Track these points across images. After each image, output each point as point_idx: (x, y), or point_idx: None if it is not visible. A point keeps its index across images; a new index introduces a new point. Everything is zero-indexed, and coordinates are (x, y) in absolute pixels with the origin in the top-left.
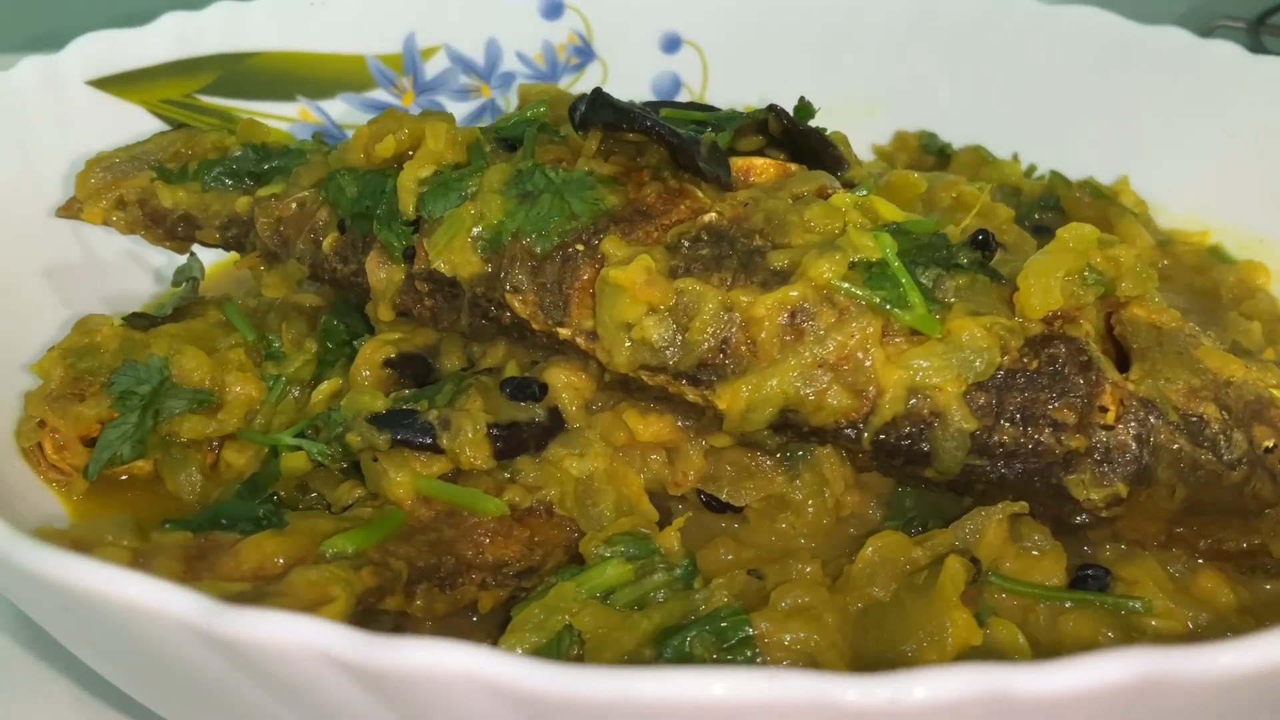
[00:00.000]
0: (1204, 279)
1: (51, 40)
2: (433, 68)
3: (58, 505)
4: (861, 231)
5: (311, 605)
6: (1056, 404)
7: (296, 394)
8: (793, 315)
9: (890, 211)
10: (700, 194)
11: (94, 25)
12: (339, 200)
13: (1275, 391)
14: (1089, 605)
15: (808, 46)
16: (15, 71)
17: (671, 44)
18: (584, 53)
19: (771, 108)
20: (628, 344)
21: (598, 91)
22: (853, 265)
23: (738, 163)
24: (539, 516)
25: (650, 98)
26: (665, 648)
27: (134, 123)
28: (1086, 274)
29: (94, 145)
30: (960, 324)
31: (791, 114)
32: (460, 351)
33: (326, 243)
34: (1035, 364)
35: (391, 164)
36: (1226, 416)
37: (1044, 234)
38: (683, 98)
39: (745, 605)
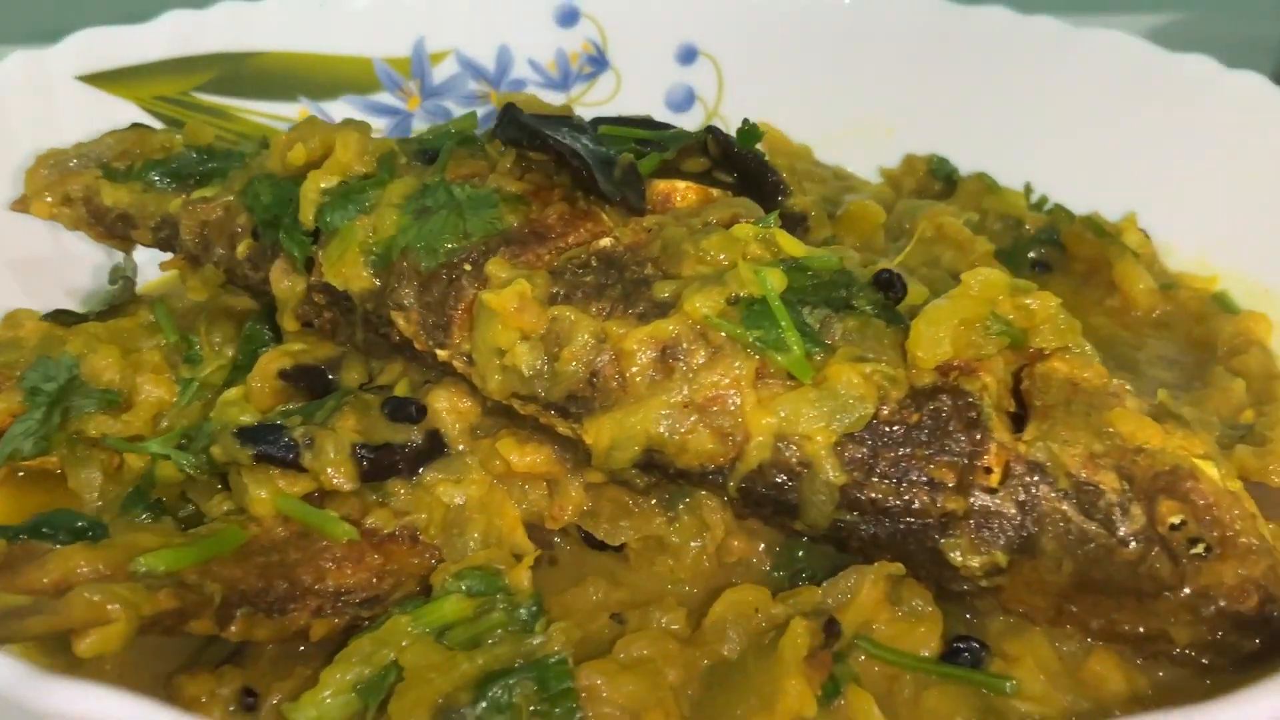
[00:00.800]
0: (1201, 329)
1: (56, 35)
2: (441, 72)
3: None
4: (750, 265)
5: (85, 625)
6: (935, 462)
7: (207, 399)
8: (664, 350)
9: (791, 245)
10: (605, 218)
11: (102, 21)
12: (255, 206)
13: (1199, 462)
14: (958, 680)
15: (826, 64)
16: (2, 64)
17: (688, 55)
18: (598, 62)
19: (709, 129)
20: (500, 371)
21: (508, 107)
22: (734, 301)
23: (660, 186)
24: (401, 543)
25: (663, 109)
26: (485, 692)
27: (125, 119)
28: (990, 323)
29: (79, 140)
30: (838, 370)
31: (734, 136)
32: (362, 366)
33: (240, 248)
34: (916, 417)
35: (304, 172)
36: (1126, 487)
37: (1043, 271)
38: (697, 111)
39: (587, 653)
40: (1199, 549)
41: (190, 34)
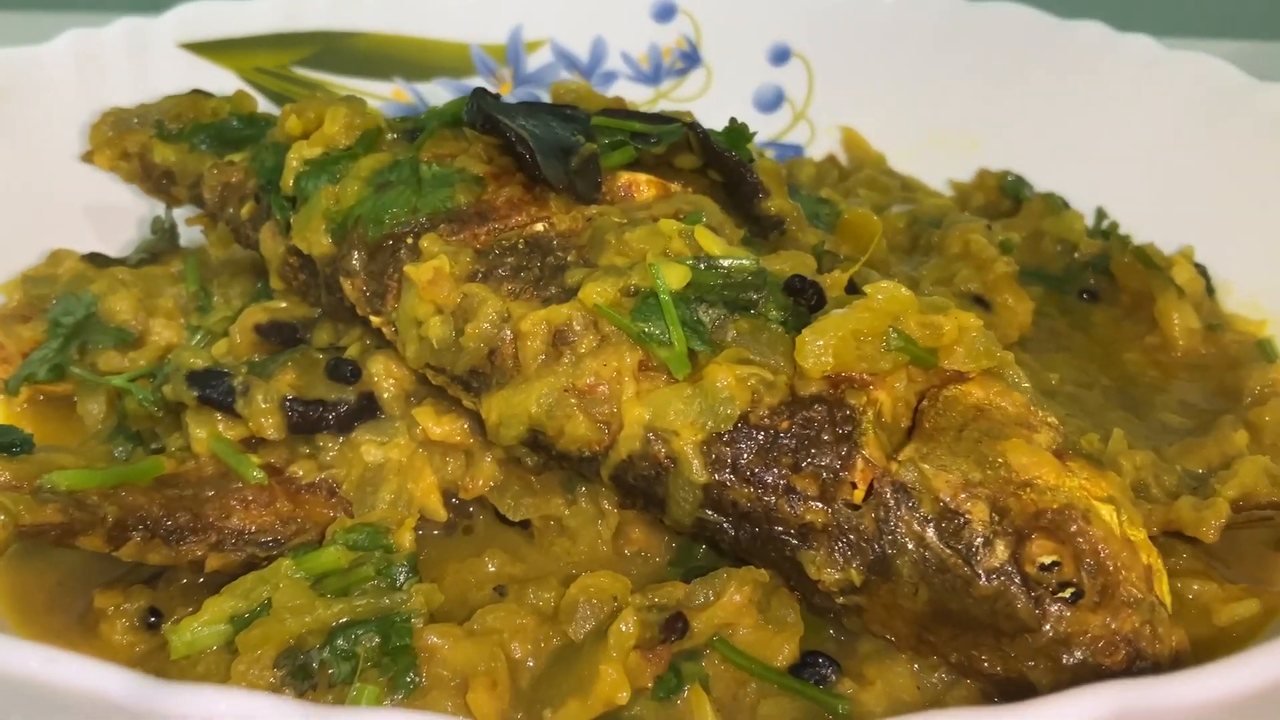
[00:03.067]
0: (1233, 376)
1: (165, 7)
2: (535, 61)
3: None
4: (657, 259)
5: None
6: (800, 471)
7: (207, 345)
8: (556, 334)
9: (710, 244)
10: (553, 204)
11: None
12: (260, 171)
13: (1097, 505)
14: (796, 693)
15: (918, 72)
16: (107, 29)
17: (780, 56)
18: (690, 58)
19: (691, 125)
20: (417, 341)
21: (477, 92)
22: (631, 293)
23: (623, 178)
24: (317, 494)
25: (751, 109)
26: (333, 639)
27: (224, 88)
28: (891, 338)
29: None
30: (715, 370)
31: (721, 134)
32: (332, 328)
33: (244, 209)
34: (786, 424)
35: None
36: (995, 520)
37: (1090, 299)
38: (785, 111)
39: (455, 618)
40: (1066, 593)
41: (294, 11)
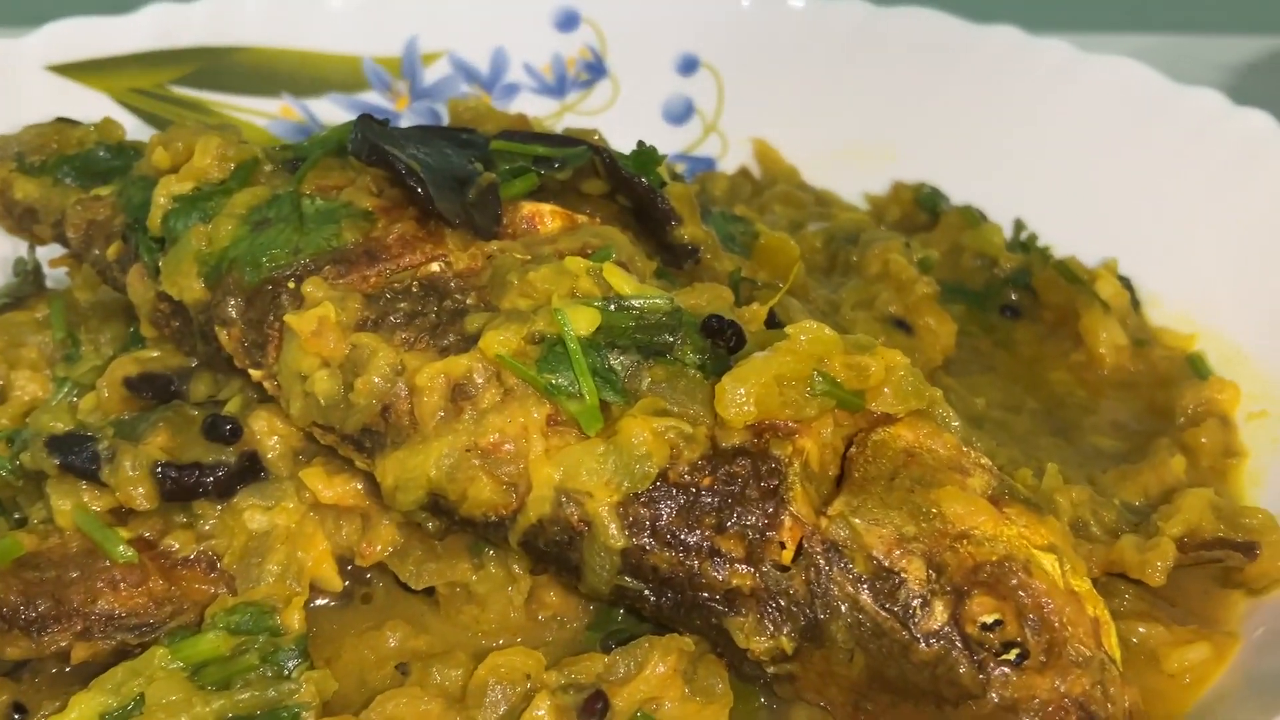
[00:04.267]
0: (1164, 394)
1: (39, 23)
2: (433, 74)
3: None
4: (563, 302)
5: None
6: (725, 531)
7: (76, 399)
8: (456, 389)
9: (621, 283)
10: (450, 241)
11: (88, 11)
12: (127, 208)
13: (1037, 554)
14: None
15: (831, 80)
16: None
17: (688, 65)
18: (595, 69)
19: (596, 150)
20: (302, 397)
21: (361, 118)
22: (536, 340)
23: (525, 210)
24: (196, 569)
25: (660, 121)
26: None
27: (96, 110)
28: (815, 383)
29: None
30: (630, 424)
31: (629, 158)
32: (211, 379)
33: (110, 250)
34: (709, 481)
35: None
36: (932, 577)
37: (1012, 316)
38: (695, 123)
39: (357, 703)
40: (1011, 654)
41: (172, 27)
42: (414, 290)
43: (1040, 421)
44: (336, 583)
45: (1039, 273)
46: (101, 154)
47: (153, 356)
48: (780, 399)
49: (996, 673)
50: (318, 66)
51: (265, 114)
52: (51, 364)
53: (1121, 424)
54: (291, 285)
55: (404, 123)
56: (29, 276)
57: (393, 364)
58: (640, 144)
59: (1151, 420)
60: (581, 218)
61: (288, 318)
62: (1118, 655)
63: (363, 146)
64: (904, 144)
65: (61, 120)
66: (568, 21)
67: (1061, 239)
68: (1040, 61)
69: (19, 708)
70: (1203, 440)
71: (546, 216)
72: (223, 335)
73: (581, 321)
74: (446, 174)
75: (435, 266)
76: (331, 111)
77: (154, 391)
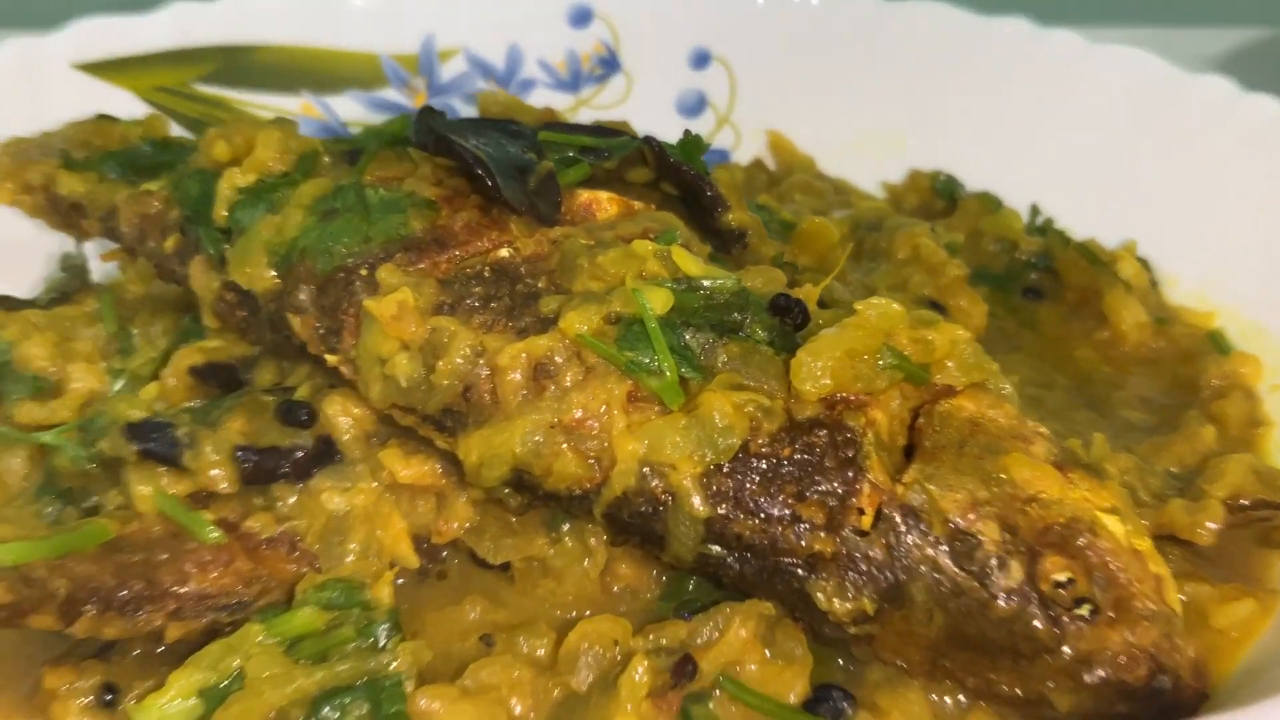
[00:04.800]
0: (1188, 369)
1: (58, 22)
2: (449, 70)
3: None
4: (634, 284)
5: None
6: (805, 499)
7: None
8: (537, 368)
9: (688, 264)
10: (514, 227)
11: (106, 10)
12: (183, 201)
13: (1102, 516)
14: None
15: (843, 72)
16: None
17: (700, 59)
18: (609, 64)
19: (646, 140)
20: (381, 380)
21: (424, 110)
22: (614, 320)
23: (583, 197)
24: (278, 549)
25: (673, 113)
26: (318, 709)
27: (122, 108)
28: (884, 356)
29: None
30: (710, 398)
31: (676, 147)
32: (275, 367)
33: (168, 243)
34: (788, 451)
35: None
36: (1007, 539)
37: (1034, 298)
38: (708, 116)
39: (446, 674)
40: (1084, 610)
41: (193, 25)
42: (486, 275)
43: (1072, 397)
44: (414, 560)
45: (1060, 255)
46: (146, 149)
47: (215, 346)
48: (852, 372)
49: (1071, 627)
50: (336, 64)
51: (286, 111)
52: (106, 357)
53: (1148, 398)
54: (364, 273)
55: None
56: (76, 271)
57: (473, 345)
58: (686, 132)
59: (1177, 394)
60: (638, 204)
61: (367, 303)
62: (1179, 609)
63: (428, 137)
64: (916, 135)
65: (103, 116)
66: (581, 17)
67: (1075, 224)
68: (1050, 52)
69: (110, 688)
70: (1229, 411)
71: (605, 203)
72: (295, 322)
73: (658, 301)
74: (506, 163)
75: (504, 252)
76: (352, 108)
77: (220, 380)
